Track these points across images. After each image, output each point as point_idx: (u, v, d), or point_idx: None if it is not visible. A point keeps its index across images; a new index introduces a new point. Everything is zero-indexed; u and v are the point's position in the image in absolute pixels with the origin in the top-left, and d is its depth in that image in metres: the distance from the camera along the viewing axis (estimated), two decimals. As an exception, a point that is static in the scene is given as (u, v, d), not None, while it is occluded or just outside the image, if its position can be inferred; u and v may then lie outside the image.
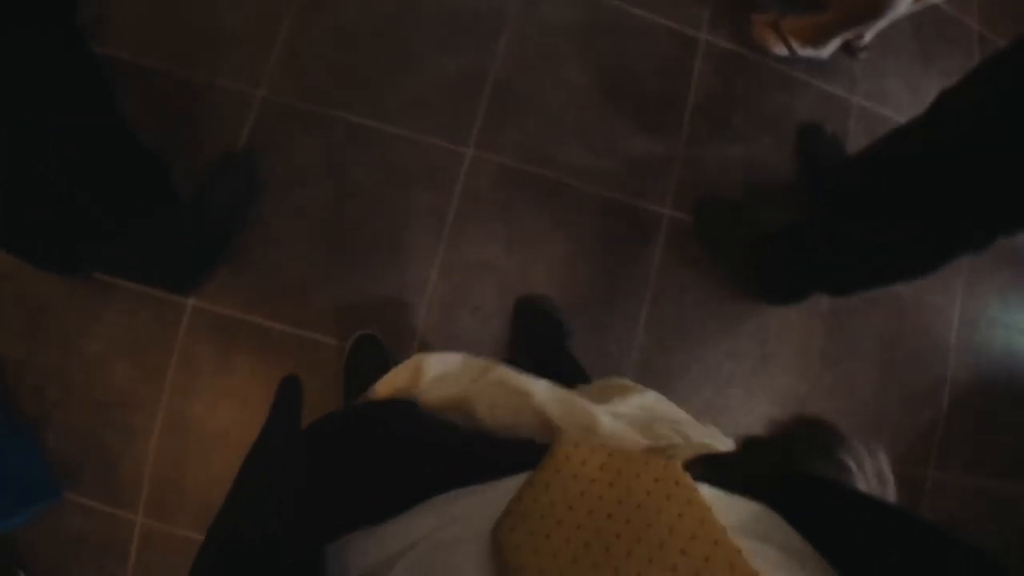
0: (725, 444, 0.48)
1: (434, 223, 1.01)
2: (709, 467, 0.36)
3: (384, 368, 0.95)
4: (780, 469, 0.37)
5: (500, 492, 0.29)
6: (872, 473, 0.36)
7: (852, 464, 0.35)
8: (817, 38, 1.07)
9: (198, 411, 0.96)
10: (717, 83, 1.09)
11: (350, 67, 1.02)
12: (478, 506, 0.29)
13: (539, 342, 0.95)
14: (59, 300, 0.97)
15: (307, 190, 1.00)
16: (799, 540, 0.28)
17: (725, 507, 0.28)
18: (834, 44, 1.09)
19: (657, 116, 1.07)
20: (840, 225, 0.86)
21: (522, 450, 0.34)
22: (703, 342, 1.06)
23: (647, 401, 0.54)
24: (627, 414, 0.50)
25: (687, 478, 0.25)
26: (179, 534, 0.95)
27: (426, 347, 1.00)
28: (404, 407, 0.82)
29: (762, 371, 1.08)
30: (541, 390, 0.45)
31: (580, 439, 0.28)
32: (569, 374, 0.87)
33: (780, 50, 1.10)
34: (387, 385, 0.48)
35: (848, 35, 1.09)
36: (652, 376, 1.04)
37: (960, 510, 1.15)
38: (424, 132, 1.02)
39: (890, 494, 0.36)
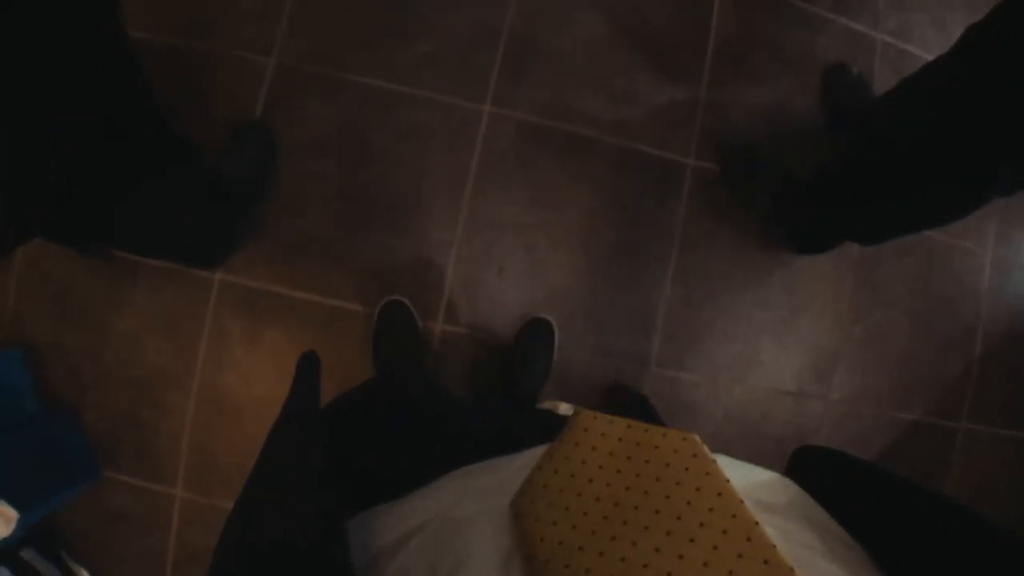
0: None
1: (455, 183, 1.00)
2: None
3: (414, 333, 0.95)
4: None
5: (514, 468, 0.30)
6: None
7: None
8: None
9: (231, 383, 0.97)
10: (736, 23, 1.06)
11: (360, 28, 1.00)
12: (493, 482, 0.29)
13: (535, 373, 0.94)
14: (86, 282, 0.98)
15: (325, 156, 0.99)
16: (814, 508, 0.28)
17: (743, 477, 0.28)
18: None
19: (676, 62, 1.04)
20: (868, 169, 0.84)
21: (537, 424, 0.33)
22: (732, 294, 1.05)
23: None
24: None
25: (705, 450, 0.25)
26: (219, 505, 0.97)
27: (453, 311, 1.00)
28: (422, 380, 0.83)
29: (792, 322, 1.07)
30: None
31: (597, 412, 0.28)
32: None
33: (800, -12, 1.06)
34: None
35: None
36: (682, 331, 1.03)
37: (993, 462, 1.13)
38: (439, 91, 1.00)
39: None
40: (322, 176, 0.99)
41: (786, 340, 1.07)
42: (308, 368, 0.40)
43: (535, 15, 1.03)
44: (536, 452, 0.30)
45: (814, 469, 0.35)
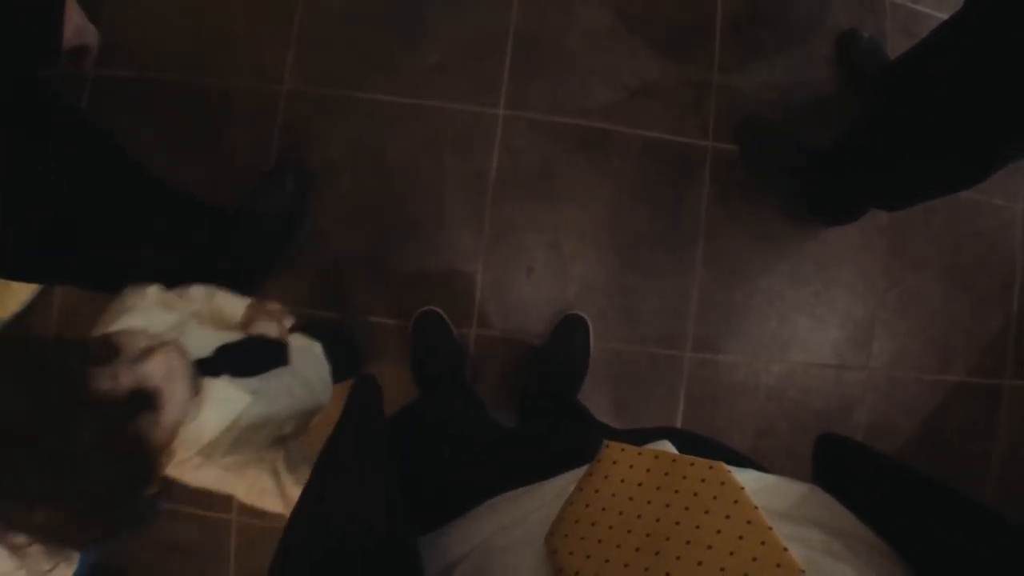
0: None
1: (476, 189, 1.00)
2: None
3: (449, 342, 0.95)
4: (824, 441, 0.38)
5: (548, 495, 0.30)
6: None
7: None
8: None
9: (275, 407, 0.98)
10: (742, 1, 1.05)
11: (367, 45, 1.01)
12: (529, 510, 0.30)
13: (573, 369, 0.95)
14: (124, 321, 0.99)
15: (347, 176, 1.00)
16: (846, 518, 0.28)
17: (771, 492, 0.29)
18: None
19: (685, 45, 1.04)
20: (888, 134, 0.83)
21: (567, 446, 0.34)
22: (763, 273, 1.04)
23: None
24: None
25: (733, 477, 0.25)
26: (275, 526, 0.98)
27: (485, 315, 1.00)
28: (459, 402, 0.84)
29: (825, 295, 1.06)
30: None
31: (625, 445, 0.28)
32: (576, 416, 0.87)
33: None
34: None
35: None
36: (716, 314, 1.03)
37: (1040, 417, 1.11)
38: (452, 99, 1.01)
39: None
40: (345, 195, 1.00)
41: (821, 313, 1.06)
42: (362, 394, 0.41)
43: (539, 13, 1.03)
44: (567, 478, 0.31)
45: (836, 461, 0.36)
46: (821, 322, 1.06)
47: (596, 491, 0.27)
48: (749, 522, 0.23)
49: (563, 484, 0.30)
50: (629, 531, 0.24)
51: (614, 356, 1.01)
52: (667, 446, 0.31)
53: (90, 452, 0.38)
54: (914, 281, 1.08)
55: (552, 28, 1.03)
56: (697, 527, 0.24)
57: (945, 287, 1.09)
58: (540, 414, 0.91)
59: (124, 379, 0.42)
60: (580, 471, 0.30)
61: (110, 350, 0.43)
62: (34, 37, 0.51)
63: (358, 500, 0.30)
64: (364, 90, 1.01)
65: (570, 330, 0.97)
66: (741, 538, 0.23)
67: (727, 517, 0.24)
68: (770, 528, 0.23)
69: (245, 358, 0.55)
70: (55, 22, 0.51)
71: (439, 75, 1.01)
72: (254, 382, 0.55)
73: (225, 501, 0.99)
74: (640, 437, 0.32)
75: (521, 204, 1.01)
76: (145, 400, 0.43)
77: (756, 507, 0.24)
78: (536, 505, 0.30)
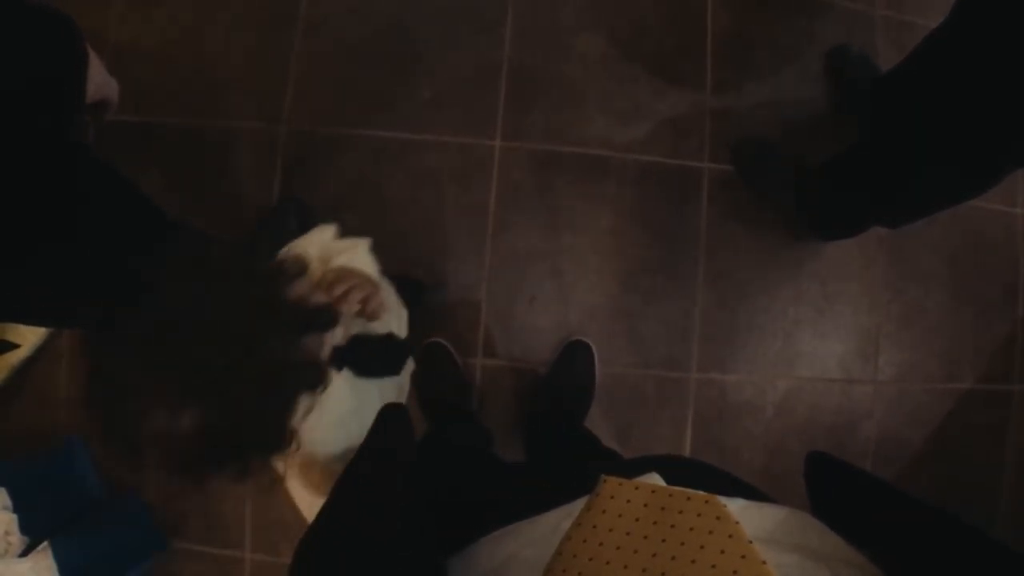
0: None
1: (476, 221, 1.01)
2: None
3: (455, 372, 0.96)
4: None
5: (541, 530, 0.30)
6: None
7: None
8: None
9: (284, 444, 0.99)
10: (731, 21, 1.06)
11: (363, 83, 1.03)
12: (522, 545, 0.30)
13: (579, 395, 0.95)
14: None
15: (347, 213, 1.01)
16: (828, 540, 0.29)
17: (755, 518, 0.30)
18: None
19: (677, 69, 1.05)
20: (882, 149, 0.83)
21: (563, 482, 0.34)
22: (765, 292, 1.04)
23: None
24: None
25: (728, 511, 0.26)
26: (288, 563, 0.98)
27: (490, 345, 1.01)
28: (465, 438, 0.84)
29: (829, 310, 1.06)
30: None
31: (623, 479, 0.29)
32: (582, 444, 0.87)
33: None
34: None
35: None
36: (720, 334, 1.03)
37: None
38: (448, 133, 1.02)
39: None
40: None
41: (825, 328, 1.06)
42: (384, 422, 0.42)
43: (532, 44, 1.04)
44: (557, 515, 0.31)
45: (824, 479, 0.37)
46: (826, 337, 1.05)
47: (594, 526, 0.27)
48: (743, 557, 0.23)
49: (553, 522, 0.30)
50: (626, 566, 0.25)
51: (620, 381, 1.01)
52: (655, 478, 0.31)
53: (268, 354, 0.38)
54: (917, 291, 1.08)
55: (545, 58, 1.04)
56: (692, 562, 0.24)
57: (949, 295, 1.09)
58: (548, 442, 0.92)
59: (317, 296, 0.44)
60: (567, 508, 0.30)
61: (301, 266, 0.44)
62: (60, 94, 0.51)
63: (386, 516, 0.30)
64: (362, 127, 1.02)
65: (575, 356, 0.97)
66: (735, 573, 0.23)
67: (722, 552, 0.24)
68: (763, 563, 0.23)
69: (370, 356, 0.52)
70: (79, 80, 0.52)
71: (435, 109, 1.02)
72: (363, 386, 0.50)
73: (238, 537, 0.99)
74: (635, 468, 0.32)
75: (522, 233, 1.01)
76: (326, 317, 0.44)
77: (751, 541, 0.24)
78: (529, 541, 0.30)
